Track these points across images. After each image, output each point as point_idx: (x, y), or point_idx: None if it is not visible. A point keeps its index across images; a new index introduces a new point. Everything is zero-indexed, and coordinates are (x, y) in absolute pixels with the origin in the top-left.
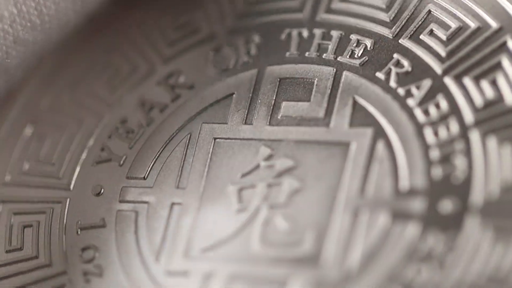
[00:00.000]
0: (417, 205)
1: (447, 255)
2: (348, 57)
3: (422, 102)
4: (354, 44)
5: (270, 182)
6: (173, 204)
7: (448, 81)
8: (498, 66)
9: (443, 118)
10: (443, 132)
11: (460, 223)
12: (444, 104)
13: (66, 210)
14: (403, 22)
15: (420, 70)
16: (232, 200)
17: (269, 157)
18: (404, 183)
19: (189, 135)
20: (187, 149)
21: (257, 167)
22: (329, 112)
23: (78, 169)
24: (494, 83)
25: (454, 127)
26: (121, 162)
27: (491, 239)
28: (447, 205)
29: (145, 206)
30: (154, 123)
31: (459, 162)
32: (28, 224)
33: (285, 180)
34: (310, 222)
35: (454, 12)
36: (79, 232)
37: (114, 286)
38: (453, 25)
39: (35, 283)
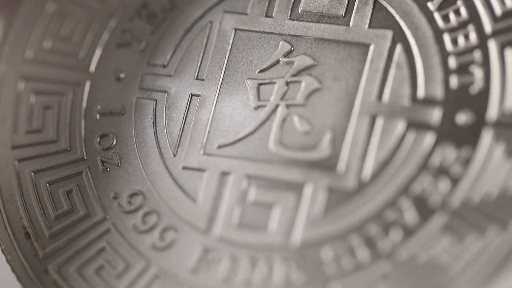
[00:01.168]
0: (433, 114)
1: (460, 167)
2: None
3: (442, 7)
4: None
5: (289, 79)
6: (191, 95)
7: None
8: None
9: (462, 26)
10: (461, 40)
11: (474, 136)
12: (463, 11)
13: (86, 93)
14: None
15: None
16: (251, 95)
17: (288, 53)
18: (422, 91)
19: (210, 24)
20: (207, 38)
21: (276, 62)
22: (349, 10)
23: (99, 51)
24: None
25: (473, 35)
26: (142, 47)
27: (504, 153)
28: (463, 117)
29: (164, 95)
30: (177, 8)
31: (477, 72)
32: (49, 105)
33: (304, 78)
34: (327, 125)
35: None
36: (98, 118)
37: (131, 176)
38: None
39: (54, 168)
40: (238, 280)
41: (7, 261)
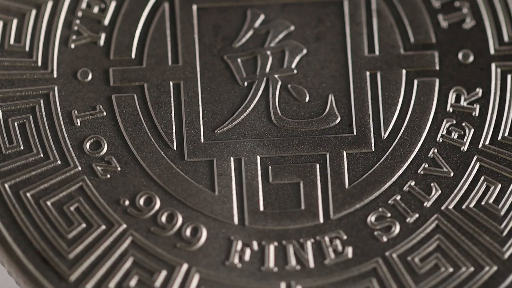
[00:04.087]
0: (432, 58)
1: (479, 106)
2: None
3: None
4: None
5: (270, 48)
6: (173, 84)
7: None
8: None
9: None
10: None
11: (482, 72)
12: None
13: (57, 101)
14: None
15: None
16: (235, 72)
17: (261, 22)
18: (412, 36)
19: (164, 6)
20: (169, 21)
21: (251, 33)
22: None
23: (55, 53)
24: None
25: None
26: (100, 41)
27: None
28: (463, 55)
29: (142, 88)
30: None
31: (464, 7)
32: (21, 122)
33: (286, 44)
34: (325, 89)
35: None
36: (78, 124)
37: (136, 179)
38: None
39: (50, 186)
40: (290, 268)
41: None
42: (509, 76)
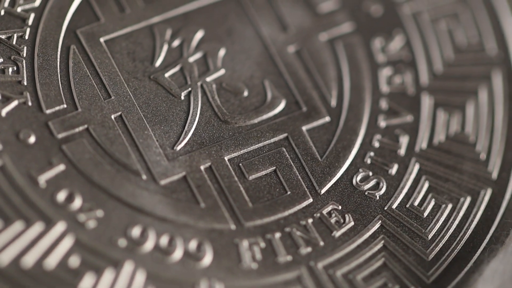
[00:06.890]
0: (341, 17)
1: (406, 49)
2: None
3: None
4: None
5: (191, 56)
6: (115, 118)
7: None
8: None
9: None
10: None
11: (395, 18)
12: None
13: (13, 169)
14: None
15: None
16: (168, 89)
17: (171, 35)
18: (317, 4)
19: (73, 48)
20: (83, 62)
21: (166, 48)
22: None
23: None
24: None
25: None
26: (28, 101)
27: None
28: (372, 6)
29: (90, 131)
30: (25, 49)
31: None
32: None
33: (204, 48)
34: (257, 76)
35: None
36: (43, 184)
37: (121, 217)
38: None
39: (45, 252)
40: (303, 251)
41: None
42: (422, 15)
